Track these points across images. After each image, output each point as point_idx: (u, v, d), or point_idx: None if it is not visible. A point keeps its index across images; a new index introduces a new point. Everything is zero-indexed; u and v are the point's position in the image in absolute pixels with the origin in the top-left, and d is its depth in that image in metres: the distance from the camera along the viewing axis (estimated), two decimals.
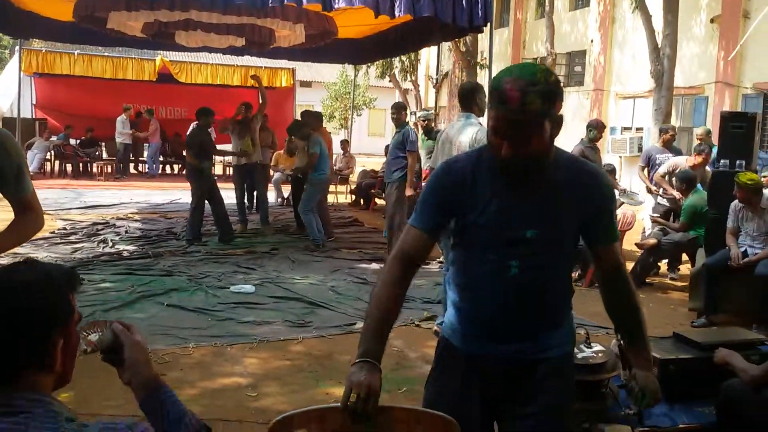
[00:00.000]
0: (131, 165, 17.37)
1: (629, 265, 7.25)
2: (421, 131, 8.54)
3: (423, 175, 7.78)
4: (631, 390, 2.03)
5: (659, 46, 11.78)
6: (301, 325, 5.20)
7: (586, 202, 1.87)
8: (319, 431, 1.69)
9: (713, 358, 2.81)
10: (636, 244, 7.43)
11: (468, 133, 4.64)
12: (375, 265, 7.41)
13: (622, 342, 2.59)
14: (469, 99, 4.80)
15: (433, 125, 8.20)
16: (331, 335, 4.98)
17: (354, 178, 13.94)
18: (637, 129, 15.94)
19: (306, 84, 31.86)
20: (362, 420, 1.65)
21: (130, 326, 1.53)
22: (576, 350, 2.61)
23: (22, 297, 1.29)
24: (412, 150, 7.19)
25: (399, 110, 7.45)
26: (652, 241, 7.05)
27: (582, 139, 7.84)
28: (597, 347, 2.64)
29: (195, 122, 9.43)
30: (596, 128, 7.79)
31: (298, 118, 10.67)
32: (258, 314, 5.42)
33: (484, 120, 5.53)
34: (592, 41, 17.95)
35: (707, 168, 7.58)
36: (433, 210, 1.90)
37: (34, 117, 16.48)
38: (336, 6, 7.63)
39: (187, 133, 10.15)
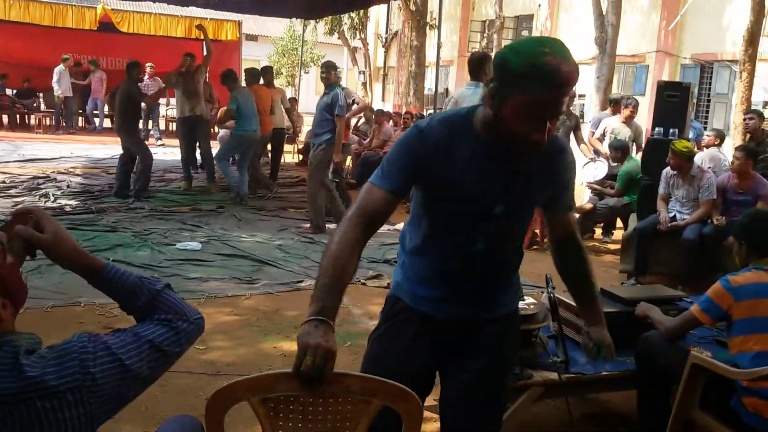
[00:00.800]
0: (78, 119, 16.80)
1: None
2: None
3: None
4: (585, 345, 2.14)
5: (604, 13, 12.02)
6: (249, 282, 5.29)
7: (555, 176, 1.91)
8: (260, 403, 1.54)
9: (635, 311, 3.05)
10: None
11: (477, 100, 4.82)
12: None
13: (552, 296, 2.78)
14: (478, 68, 5.07)
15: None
16: (279, 292, 5.10)
17: (302, 137, 13.89)
18: (580, 95, 16.28)
19: (252, 38, 31.14)
20: (315, 386, 1.52)
21: (36, 217, 1.41)
22: None
23: None
24: (341, 114, 6.92)
25: (329, 69, 7.10)
26: (588, 205, 7.36)
27: None
28: (529, 300, 2.82)
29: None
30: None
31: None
32: (205, 271, 5.48)
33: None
34: (539, 6, 18.12)
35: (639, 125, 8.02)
36: (401, 172, 1.83)
37: None
38: None
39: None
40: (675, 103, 6.65)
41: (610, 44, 11.91)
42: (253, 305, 4.79)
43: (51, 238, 1.41)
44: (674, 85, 7.28)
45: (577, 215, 7.69)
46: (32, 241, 1.39)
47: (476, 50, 20.90)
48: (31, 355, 1.29)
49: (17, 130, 15.10)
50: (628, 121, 7.85)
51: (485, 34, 20.06)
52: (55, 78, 15.13)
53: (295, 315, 4.61)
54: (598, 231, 7.91)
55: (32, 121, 15.83)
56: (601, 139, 8.00)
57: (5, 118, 15.64)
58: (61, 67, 15.22)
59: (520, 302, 2.69)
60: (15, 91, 15.95)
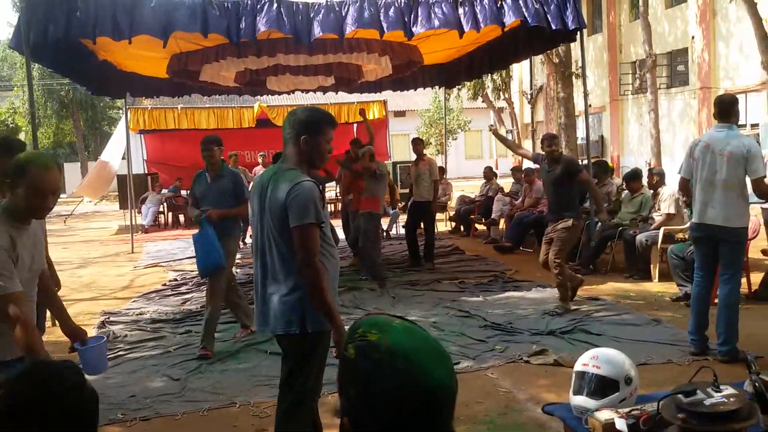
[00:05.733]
0: None
1: (757, 276, 6.61)
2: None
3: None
4: None
5: None
6: None
7: None
8: None
9: None
10: (763, 252, 6.79)
11: (737, 142, 4.75)
12: (478, 298, 7.15)
13: (757, 384, 2.25)
14: (728, 111, 4.90)
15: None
16: None
17: (452, 204, 13.73)
18: (752, 126, 14.84)
19: (400, 114, 32.14)
20: None
21: None
22: (702, 395, 2.30)
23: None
24: (248, 198, 5.96)
25: (212, 146, 5.77)
26: None
27: None
28: (728, 390, 2.29)
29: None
30: None
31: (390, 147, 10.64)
32: None
33: None
34: (693, 38, 16.98)
35: None
36: None
37: (146, 172, 17.39)
38: (417, 31, 7.56)
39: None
40: None
41: None
42: None
43: None
44: None
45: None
46: None
47: (629, 92, 19.93)
48: None
49: (192, 228, 16.24)
50: None
51: (637, 75, 19.09)
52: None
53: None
54: None
55: None
56: None
57: (181, 218, 16.91)
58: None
59: (717, 395, 2.20)
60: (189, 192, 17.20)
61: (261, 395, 4.50)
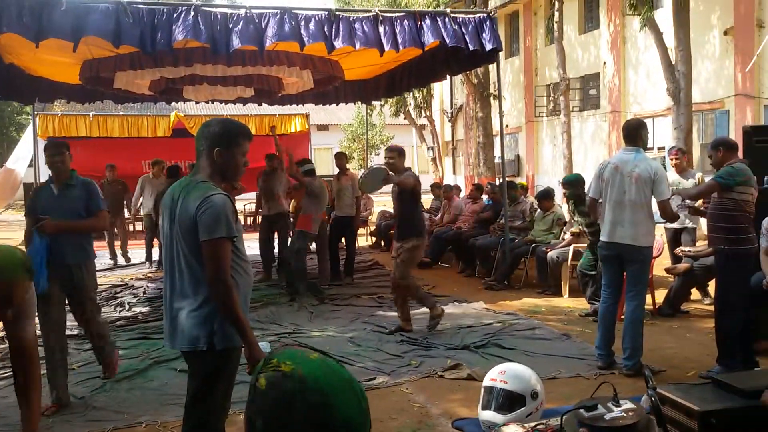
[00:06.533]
0: None
1: (661, 293, 6.93)
2: None
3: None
4: None
5: (673, 63, 11.57)
6: None
7: None
8: None
9: (760, 404, 2.53)
10: (666, 270, 7.11)
11: (644, 165, 4.91)
12: (396, 313, 7.16)
13: (653, 398, 2.33)
14: (635, 134, 5.08)
15: None
16: None
17: (373, 219, 13.77)
18: (659, 149, 15.61)
19: (323, 128, 32.13)
20: None
21: None
22: (603, 410, 2.36)
23: None
24: (105, 209, 5.05)
25: (61, 149, 4.81)
26: (685, 266, 6.74)
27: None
28: (626, 405, 2.37)
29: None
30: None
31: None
32: None
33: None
34: (605, 63, 17.75)
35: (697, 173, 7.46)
36: None
37: None
38: (338, 45, 7.58)
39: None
40: (766, 148, 6.03)
41: (684, 94, 11.39)
42: None
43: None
44: (762, 128, 6.69)
45: (671, 277, 7.08)
46: None
47: (543, 114, 20.61)
48: None
49: (101, 239, 15.61)
50: (680, 171, 7.34)
51: (552, 98, 19.77)
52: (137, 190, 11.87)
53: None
54: (696, 293, 7.23)
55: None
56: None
57: None
58: (149, 175, 12.04)
59: (617, 409, 2.26)
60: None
61: (169, 414, 4.33)
